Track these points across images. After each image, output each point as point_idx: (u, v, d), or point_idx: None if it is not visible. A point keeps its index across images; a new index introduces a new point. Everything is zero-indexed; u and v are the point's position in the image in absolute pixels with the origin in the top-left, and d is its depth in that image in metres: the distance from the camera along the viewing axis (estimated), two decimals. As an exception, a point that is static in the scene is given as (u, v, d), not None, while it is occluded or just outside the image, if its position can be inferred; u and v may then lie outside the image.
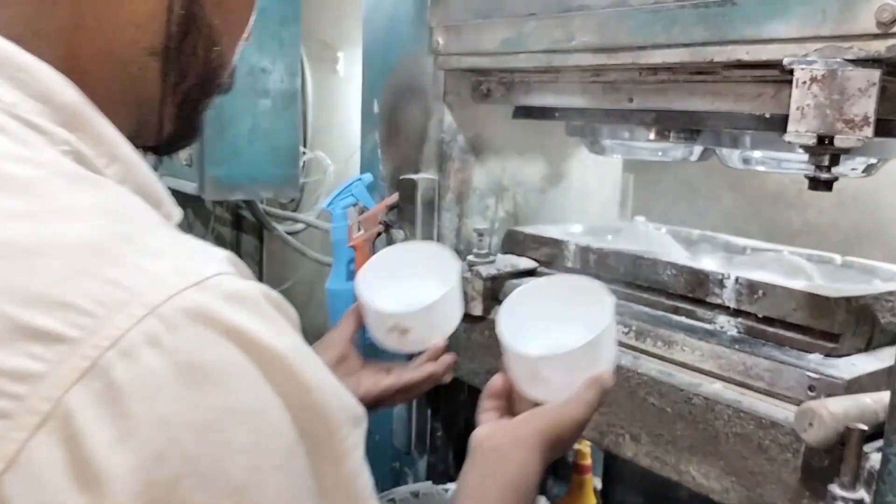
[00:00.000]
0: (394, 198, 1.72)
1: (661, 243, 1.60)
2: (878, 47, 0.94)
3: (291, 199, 3.45)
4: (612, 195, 2.03)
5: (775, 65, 1.07)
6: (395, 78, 1.81)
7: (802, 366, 1.12)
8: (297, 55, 3.00)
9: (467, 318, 1.58)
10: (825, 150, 0.99)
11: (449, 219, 1.73)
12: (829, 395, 1.07)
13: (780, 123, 1.16)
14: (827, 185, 1.03)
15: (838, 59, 0.98)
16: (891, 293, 1.20)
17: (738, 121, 1.25)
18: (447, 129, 1.70)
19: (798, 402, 1.10)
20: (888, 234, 1.70)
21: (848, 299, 1.14)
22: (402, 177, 1.73)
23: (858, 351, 1.17)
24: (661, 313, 1.38)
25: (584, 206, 1.96)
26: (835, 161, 1.02)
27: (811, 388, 1.09)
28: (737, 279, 1.26)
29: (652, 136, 1.52)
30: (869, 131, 0.95)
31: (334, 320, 1.74)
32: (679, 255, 1.42)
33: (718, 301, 1.29)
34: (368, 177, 1.73)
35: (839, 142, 0.97)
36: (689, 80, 1.26)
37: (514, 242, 1.70)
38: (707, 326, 1.31)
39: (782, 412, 1.10)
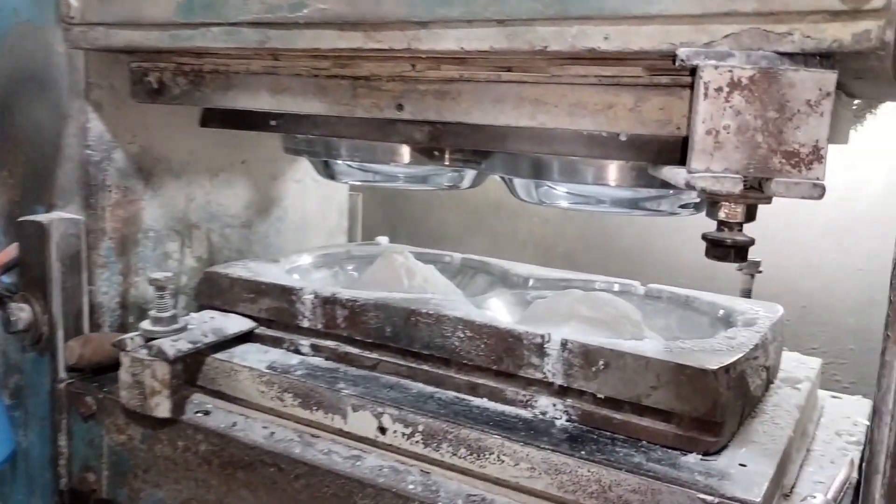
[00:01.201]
0: (10, 251, 1.07)
1: (428, 280, 1.17)
2: (839, 33, 0.58)
3: None
4: (339, 222, 1.56)
5: (646, 58, 0.68)
6: (1, 60, 1.14)
7: (687, 480, 0.75)
8: None
9: (148, 422, 1.00)
10: (745, 198, 0.62)
11: (107, 279, 1.12)
12: (735, 526, 0.72)
13: (636, 149, 0.79)
14: (741, 254, 0.66)
15: (769, 53, 0.60)
16: (755, 348, 0.89)
17: (562, 143, 0.84)
18: (95, 141, 1.09)
19: (687, 537, 0.73)
20: (615, 244, 1.53)
21: (727, 369, 0.81)
22: (22, 217, 1.08)
23: (733, 435, 0.85)
24: (452, 395, 0.94)
25: (306, 239, 1.47)
26: (751, 216, 0.66)
27: (707, 517, 0.73)
28: (564, 343, 0.87)
29: (408, 157, 1.07)
30: (821, 170, 0.60)
31: None
32: (467, 306, 0.99)
33: (538, 375, 0.89)
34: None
35: (777, 188, 0.59)
36: (493, 80, 0.82)
37: (215, 292, 1.14)
38: (523, 413, 0.90)
39: (672, 560, 0.72)
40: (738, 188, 0.60)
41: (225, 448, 0.96)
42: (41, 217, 1.07)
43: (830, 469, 0.91)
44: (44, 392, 1.10)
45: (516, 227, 1.68)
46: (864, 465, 0.66)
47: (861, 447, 0.99)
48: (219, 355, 1.05)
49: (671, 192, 0.94)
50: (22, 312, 1.04)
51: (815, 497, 0.78)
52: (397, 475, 0.86)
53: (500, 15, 0.72)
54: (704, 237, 0.67)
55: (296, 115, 1.02)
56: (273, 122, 1.07)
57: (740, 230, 0.65)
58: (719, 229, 0.66)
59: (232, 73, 1.02)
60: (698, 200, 0.97)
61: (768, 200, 0.62)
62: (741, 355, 0.84)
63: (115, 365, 1.03)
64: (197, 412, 1.01)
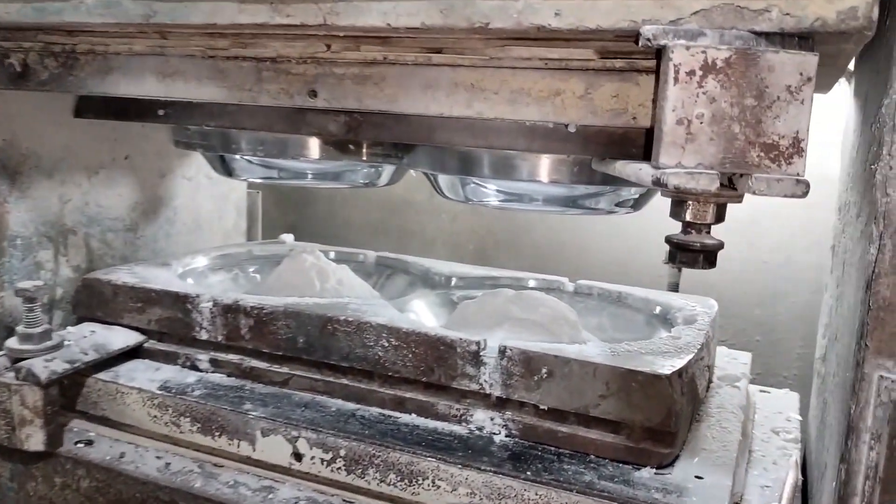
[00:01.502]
0: None
1: (343, 282, 1.06)
2: (823, 10, 0.52)
3: None
4: (237, 222, 1.42)
5: (601, 38, 0.60)
6: None
7: (645, 499, 0.68)
8: None
9: (18, 457, 0.85)
10: (718, 196, 0.54)
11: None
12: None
13: (582, 141, 0.71)
14: (710, 259, 0.59)
15: (743, 32, 0.53)
16: (701, 348, 0.84)
17: (499, 135, 0.75)
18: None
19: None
20: (526, 239, 1.49)
21: (680, 373, 0.74)
22: None
23: (683, 443, 0.79)
24: (377, 413, 0.84)
25: (200, 242, 1.33)
26: (720, 216, 0.59)
27: (669, 541, 0.66)
28: (503, 350, 0.78)
29: (320, 152, 0.96)
30: (801, 165, 0.53)
31: None
32: (390, 311, 0.89)
33: (474, 386, 0.80)
34: None
35: (758, 185, 0.52)
36: (422, 63, 0.72)
37: (96, 302, 0.99)
38: (458, 429, 0.81)
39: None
40: (714, 185, 0.52)
41: (112, 483, 0.82)
42: None
43: (774, 471, 0.87)
44: None
45: (424, 224, 1.60)
46: (839, 485, 0.61)
47: (799, 445, 0.95)
48: (102, 375, 0.91)
49: (610, 188, 0.87)
50: None
51: (773, 508, 0.73)
52: (317, 508, 0.76)
53: (432, -12, 0.62)
54: (669, 240, 0.59)
55: (188, 104, 0.89)
56: (161, 112, 0.93)
57: (709, 232, 0.58)
58: (685, 231, 0.58)
59: (111, 55, 0.88)
60: (637, 197, 0.90)
61: (740, 199, 0.56)
62: (691, 357, 0.78)
63: (-26, 391, 0.87)
64: (77, 443, 0.87)
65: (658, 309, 1.02)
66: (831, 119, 1.10)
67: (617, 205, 0.90)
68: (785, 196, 0.52)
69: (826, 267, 1.29)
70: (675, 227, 0.60)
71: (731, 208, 1.43)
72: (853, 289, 0.63)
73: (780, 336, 1.38)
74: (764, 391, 1.14)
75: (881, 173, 0.54)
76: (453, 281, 1.13)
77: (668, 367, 0.74)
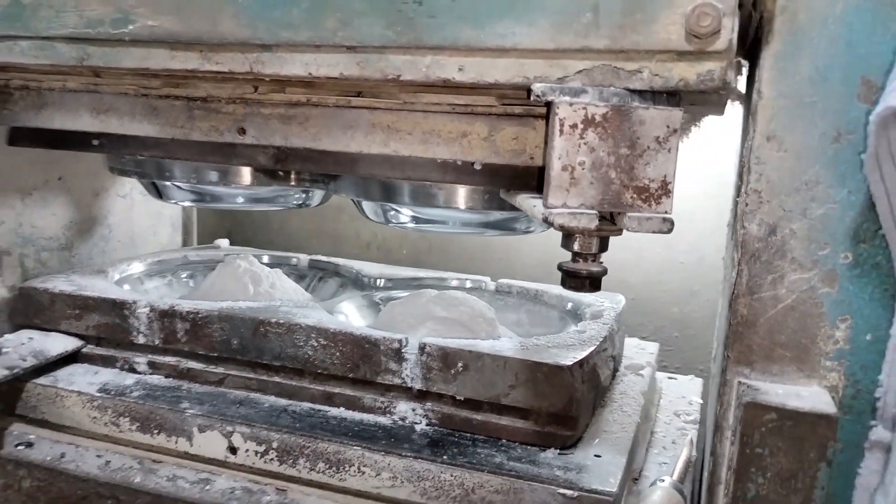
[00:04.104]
0: None
1: (275, 285, 1.11)
2: (685, 73, 0.60)
3: None
4: (173, 237, 1.45)
5: (500, 89, 0.68)
6: None
7: (547, 476, 0.76)
8: None
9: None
10: (599, 231, 0.62)
11: None
12: (594, 518, 0.74)
13: (490, 175, 0.78)
14: (595, 284, 0.67)
15: (619, 90, 0.61)
16: (604, 340, 0.92)
17: (414, 168, 0.81)
18: None
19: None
20: (458, 243, 1.57)
21: (581, 364, 0.82)
22: None
23: (587, 426, 0.87)
24: (307, 407, 0.90)
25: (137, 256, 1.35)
26: (604, 246, 0.67)
27: (568, 512, 0.74)
28: (423, 347, 0.85)
29: (250, 179, 1.01)
30: (669, 204, 0.61)
31: None
32: (320, 313, 0.95)
33: (396, 381, 0.87)
34: None
35: (630, 223, 0.61)
36: (342, 105, 0.79)
37: (33, 310, 1.02)
38: (382, 420, 0.87)
39: (537, 558, 0.73)
40: (593, 224, 0.60)
41: (53, 483, 0.86)
42: None
43: (672, 450, 0.96)
44: None
45: (358, 229, 1.66)
46: (707, 474, 0.70)
47: (697, 425, 1.05)
48: (41, 380, 0.94)
49: (524, 213, 0.95)
50: None
51: (663, 480, 0.82)
52: (251, 496, 0.81)
53: (350, 41, 0.68)
54: (560, 268, 0.67)
55: (123, 135, 0.91)
56: (96, 143, 0.94)
57: (594, 260, 0.66)
58: (574, 260, 0.66)
59: (45, 91, 0.91)
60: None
61: (619, 232, 0.64)
62: (593, 349, 0.86)
63: (-88, 398, 0.90)
64: (18, 445, 0.90)
65: (570, 305, 1.11)
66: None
67: (531, 226, 0.98)
68: (652, 232, 0.60)
69: (733, 267, 1.39)
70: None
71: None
72: (724, 302, 0.72)
73: (694, 332, 1.47)
74: (672, 378, 1.24)
75: (740, 208, 0.63)
76: (380, 283, 1.20)
77: (570, 358, 0.82)
